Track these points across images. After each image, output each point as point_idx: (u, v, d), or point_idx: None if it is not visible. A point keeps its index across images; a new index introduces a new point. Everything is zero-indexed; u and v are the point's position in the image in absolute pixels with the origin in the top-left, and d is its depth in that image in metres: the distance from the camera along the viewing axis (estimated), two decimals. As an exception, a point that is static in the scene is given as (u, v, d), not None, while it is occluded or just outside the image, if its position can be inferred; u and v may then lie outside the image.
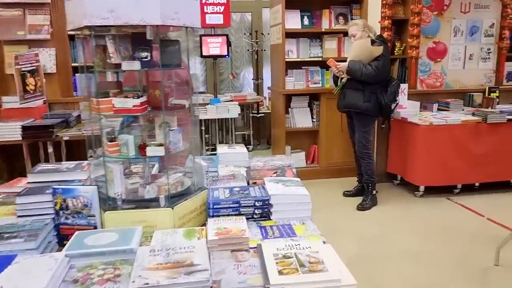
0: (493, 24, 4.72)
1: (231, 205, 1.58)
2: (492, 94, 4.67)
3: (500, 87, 4.74)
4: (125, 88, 1.76)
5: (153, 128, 1.78)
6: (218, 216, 1.60)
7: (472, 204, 4.01)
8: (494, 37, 4.76)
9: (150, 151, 1.63)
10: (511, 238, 2.77)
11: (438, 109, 4.57)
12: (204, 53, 5.74)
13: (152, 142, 1.67)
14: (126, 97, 1.61)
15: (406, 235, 3.41)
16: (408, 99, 4.44)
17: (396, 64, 4.60)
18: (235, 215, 1.60)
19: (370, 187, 4.05)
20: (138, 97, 1.60)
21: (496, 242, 3.02)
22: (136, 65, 1.58)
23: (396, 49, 4.62)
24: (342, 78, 3.97)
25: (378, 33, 4.19)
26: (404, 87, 4.37)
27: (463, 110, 4.55)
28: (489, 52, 4.79)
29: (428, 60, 4.68)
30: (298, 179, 1.78)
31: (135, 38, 1.65)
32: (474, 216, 3.79)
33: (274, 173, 1.89)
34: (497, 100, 4.63)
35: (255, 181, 1.81)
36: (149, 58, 1.60)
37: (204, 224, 1.64)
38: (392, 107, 3.94)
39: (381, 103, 3.86)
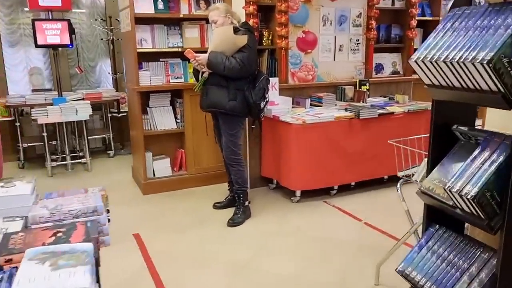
0: (361, 13, 4.51)
1: None
2: (362, 87, 4.49)
3: (370, 79, 4.58)
4: None
5: None
6: None
7: (349, 207, 3.73)
8: (362, 28, 4.56)
9: None
10: (390, 255, 2.44)
11: (311, 105, 4.23)
12: (40, 42, 4.66)
13: None
14: None
15: (282, 256, 2.93)
16: (279, 94, 4.00)
17: (264, 55, 4.12)
18: None
19: (241, 198, 3.51)
20: None
21: (374, 253, 2.76)
22: None
23: (264, 39, 4.14)
24: (203, 73, 3.36)
25: (243, 20, 3.64)
26: (274, 81, 3.91)
27: (336, 105, 4.28)
28: (358, 43, 4.59)
29: (299, 51, 4.29)
30: (89, 245, 1.07)
31: None
32: (351, 221, 3.49)
33: (53, 235, 1.15)
34: (368, 93, 4.47)
35: (10, 258, 1.06)
36: None
37: None
38: (262, 105, 3.43)
39: (249, 101, 3.33)
